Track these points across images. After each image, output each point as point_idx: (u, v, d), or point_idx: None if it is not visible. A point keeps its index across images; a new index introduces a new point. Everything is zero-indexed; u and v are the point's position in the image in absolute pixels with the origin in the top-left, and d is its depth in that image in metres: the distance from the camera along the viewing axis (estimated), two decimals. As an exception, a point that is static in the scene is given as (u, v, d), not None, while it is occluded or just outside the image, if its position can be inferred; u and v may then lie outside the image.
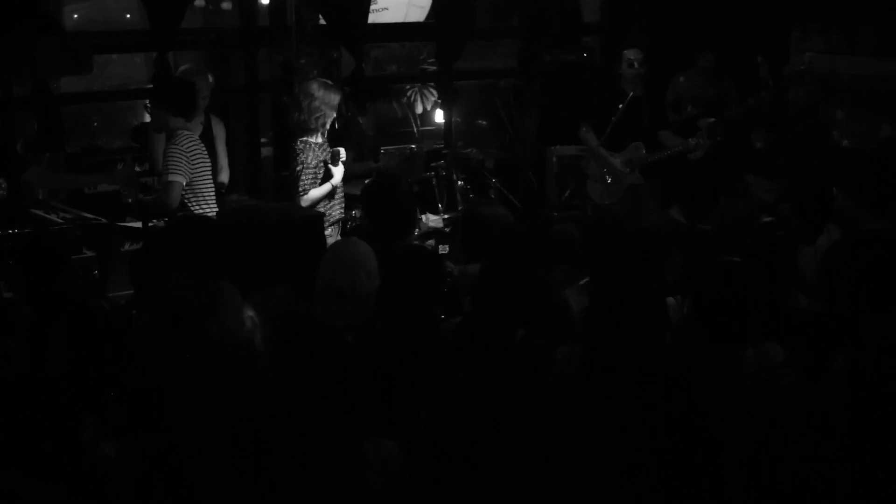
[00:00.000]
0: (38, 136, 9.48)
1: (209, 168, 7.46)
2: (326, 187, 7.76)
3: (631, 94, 8.96)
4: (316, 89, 7.81)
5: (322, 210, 7.66)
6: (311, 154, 7.68)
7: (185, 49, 10.99)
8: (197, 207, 7.29)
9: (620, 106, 8.92)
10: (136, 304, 5.44)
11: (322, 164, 7.73)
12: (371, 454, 4.00)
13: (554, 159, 10.53)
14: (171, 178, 7.14)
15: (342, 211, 8.01)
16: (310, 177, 7.68)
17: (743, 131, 10.47)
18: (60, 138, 9.66)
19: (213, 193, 7.50)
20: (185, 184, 7.17)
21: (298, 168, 7.67)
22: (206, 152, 7.46)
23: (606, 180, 9.22)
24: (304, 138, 7.74)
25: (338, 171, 7.84)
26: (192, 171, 7.23)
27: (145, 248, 5.89)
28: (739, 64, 11.44)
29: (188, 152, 7.22)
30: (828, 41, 11.32)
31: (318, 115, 7.75)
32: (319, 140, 7.80)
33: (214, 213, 7.27)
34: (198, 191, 7.32)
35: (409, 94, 12.56)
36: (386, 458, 4.03)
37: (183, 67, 8.61)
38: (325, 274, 4.76)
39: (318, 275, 4.81)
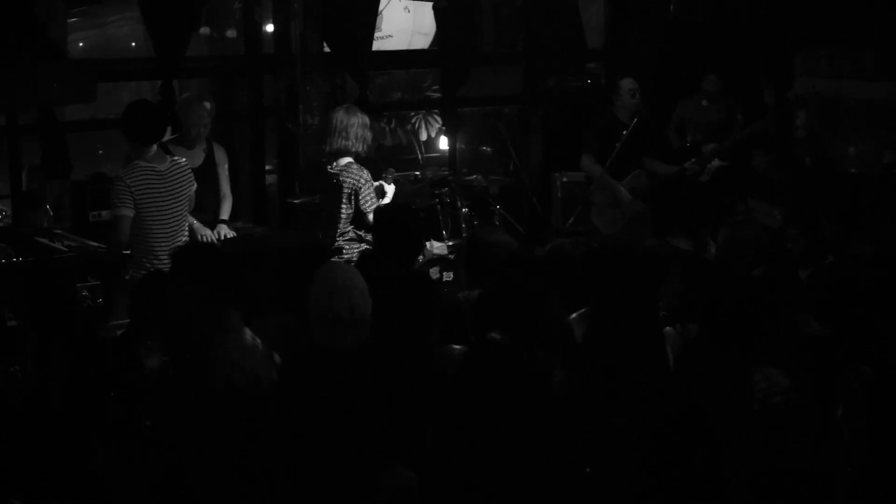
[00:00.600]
0: (44, 164, 9.49)
1: (165, 204, 7.10)
2: (386, 202, 7.83)
3: (635, 121, 8.94)
4: (353, 115, 7.88)
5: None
6: (367, 172, 7.71)
7: (191, 77, 11.03)
8: (141, 245, 7.05)
9: (625, 133, 8.90)
10: (136, 331, 5.41)
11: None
12: (387, 482, 3.99)
13: (559, 185, 10.52)
14: (118, 212, 6.92)
15: None
16: (373, 193, 7.72)
17: (745, 155, 10.48)
18: (66, 166, 9.68)
19: (166, 233, 7.11)
20: (131, 216, 6.93)
21: (364, 186, 7.63)
22: (166, 186, 7.10)
23: (613, 208, 9.19)
24: (350, 160, 7.76)
25: (391, 189, 7.96)
26: (138, 205, 6.96)
27: (147, 278, 5.83)
28: (744, 87, 11.46)
29: (132, 186, 6.93)
30: (833, 64, 11.33)
31: (364, 138, 7.82)
32: None
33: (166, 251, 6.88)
34: (144, 226, 7.02)
35: (413, 120, 12.58)
36: (402, 486, 4.02)
37: (184, 95, 8.61)
38: (321, 300, 4.72)
39: (311, 301, 4.76)
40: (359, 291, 4.65)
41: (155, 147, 7.17)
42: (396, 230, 5.90)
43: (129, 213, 6.92)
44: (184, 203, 7.27)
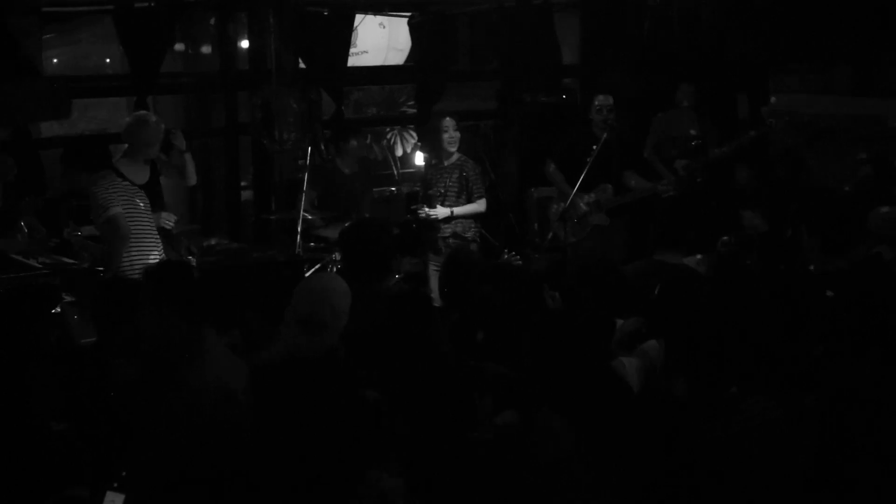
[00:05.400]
0: (18, 181, 9.43)
1: (138, 209, 7.28)
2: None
3: (605, 136, 8.95)
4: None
5: None
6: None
7: (166, 93, 10.98)
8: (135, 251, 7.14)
9: (595, 147, 8.91)
10: (105, 348, 5.36)
11: None
12: (372, 488, 3.97)
13: (534, 201, 10.52)
14: (109, 213, 7.04)
15: None
16: None
17: (726, 169, 10.51)
18: (40, 183, 9.64)
19: (147, 236, 7.31)
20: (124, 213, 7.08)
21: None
22: (130, 194, 7.26)
23: (574, 219, 9.16)
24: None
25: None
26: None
27: (111, 293, 5.75)
28: (718, 103, 11.51)
29: (109, 189, 7.10)
30: (805, 80, 11.40)
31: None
32: None
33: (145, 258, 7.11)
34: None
35: (388, 136, 12.57)
36: (387, 491, 4.01)
37: (134, 114, 8.52)
38: (292, 303, 4.76)
39: (291, 307, 4.79)
40: (329, 303, 4.67)
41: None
42: (366, 254, 5.82)
43: (120, 210, 7.03)
44: (149, 213, 7.33)
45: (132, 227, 7.15)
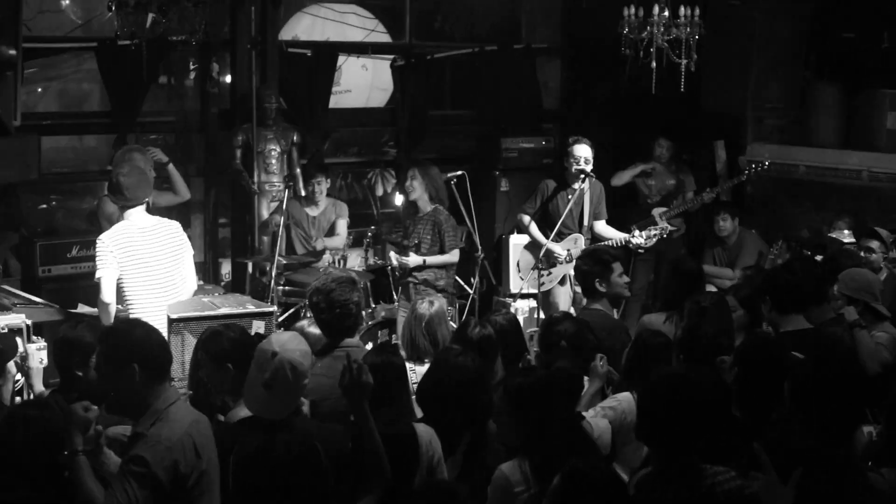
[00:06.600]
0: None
1: (151, 259, 6.86)
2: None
3: (581, 185, 8.97)
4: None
5: None
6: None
7: (146, 132, 10.94)
8: (131, 304, 6.82)
9: (570, 198, 8.95)
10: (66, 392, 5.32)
11: None
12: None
13: (511, 247, 10.55)
14: (99, 273, 6.69)
15: None
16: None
17: (706, 219, 10.57)
18: (16, 219, 9.65)
19: (155, 291, 6.87)
20: (115, 276, 6.70)
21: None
22: (148, 240, 6.87)
23: (545, 268, 9.17)
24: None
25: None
26: (122, 264, 6.73)
27: (70, 343, 5.70)
28: (695, 152, 11.58)
29: (111, 245, 6.73)
30: (784, 131, 11.47)
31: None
32: None
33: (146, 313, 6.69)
34: (132, 285, 6.81)
35: (369, 176, 12.59)
36: None
37: (125, 147, 8.57)
38: (252, 365, 4.75)
39: (252, 368, 4.78)
40: (290, 364, 4.67)
41: (141, 207, 6.96)
42: (336, 312, 5.87)
43: (111, 273, 6.69)
44: (171, 261, 6.98)
45: (142, 273, 6.81)
